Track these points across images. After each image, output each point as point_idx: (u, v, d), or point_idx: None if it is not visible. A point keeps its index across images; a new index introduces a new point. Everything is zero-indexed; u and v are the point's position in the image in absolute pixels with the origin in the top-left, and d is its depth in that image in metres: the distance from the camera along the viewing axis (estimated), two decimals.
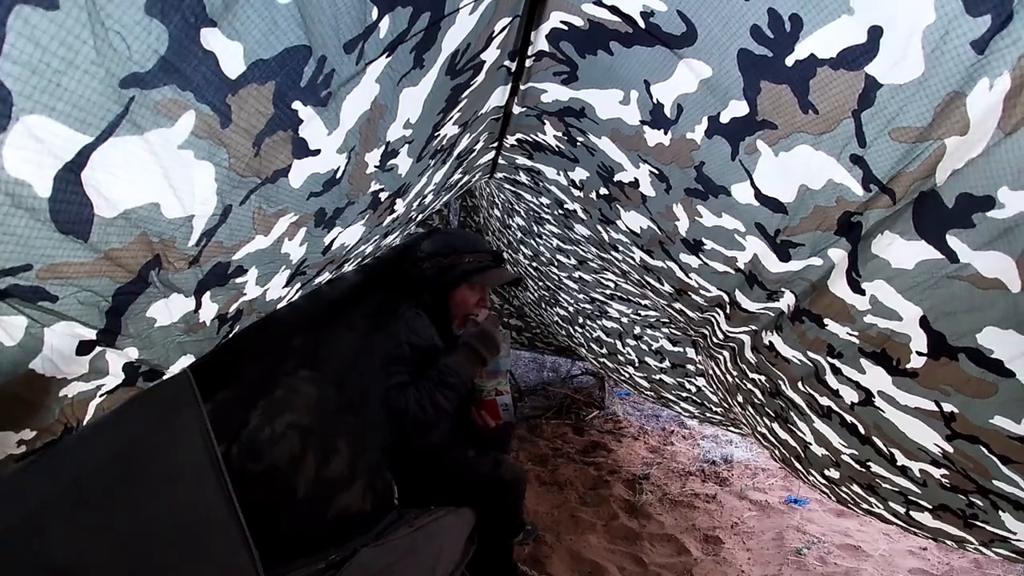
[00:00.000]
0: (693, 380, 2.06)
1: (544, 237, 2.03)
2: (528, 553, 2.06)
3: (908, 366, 0.72)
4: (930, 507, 0.98)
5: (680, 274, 1.20)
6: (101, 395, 0.65)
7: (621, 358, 2.41)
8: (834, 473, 1.22)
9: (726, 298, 1.12)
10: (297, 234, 0.80)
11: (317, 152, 0.67)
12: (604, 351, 2.52)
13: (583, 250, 1.78)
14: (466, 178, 1.63)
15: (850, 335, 0.80)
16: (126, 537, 0.75)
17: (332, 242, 0.96)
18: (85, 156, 0.42)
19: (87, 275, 0.49)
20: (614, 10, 0.70)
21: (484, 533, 1.43)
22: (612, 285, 1.92)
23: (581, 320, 2.50)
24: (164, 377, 0.74)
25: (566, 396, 3.62)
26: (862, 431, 0.96)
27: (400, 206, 1.17)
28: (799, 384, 1.05)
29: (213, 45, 0.45)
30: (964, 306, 0.60)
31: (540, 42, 0.87)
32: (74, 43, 0.37)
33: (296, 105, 0.58)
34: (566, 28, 0.80)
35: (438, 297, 1.54)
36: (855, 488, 1.19)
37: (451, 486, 1.51)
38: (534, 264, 2.40)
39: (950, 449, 0.77)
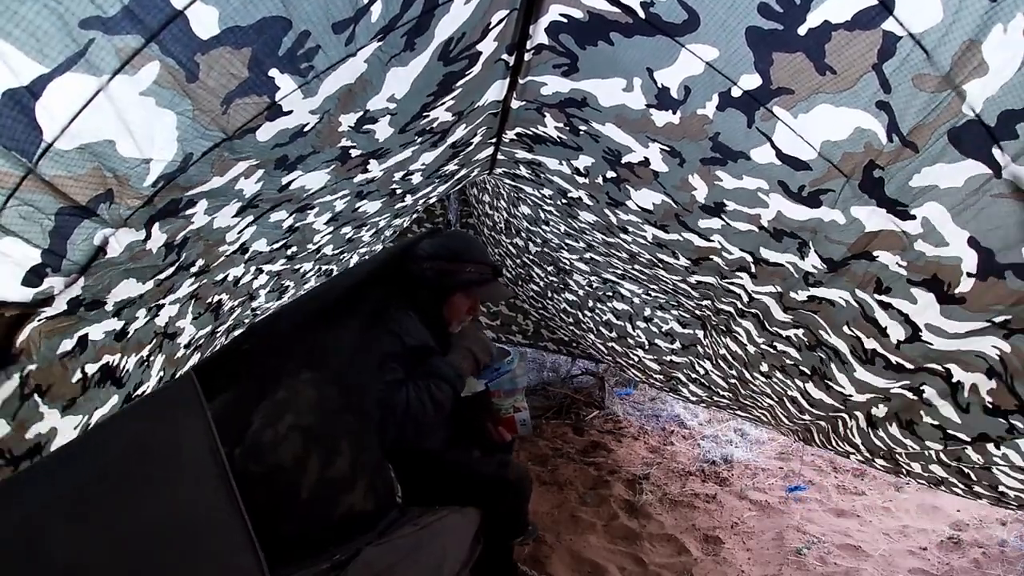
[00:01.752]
0: (702, 362, 2.08)
1: (551, 224, 2.05)
2: (528, 553, 2.04)
3: (957, 291, 0.76)
4: (968, 439, 1.01)
5: (700, 241, 1.22)
6: (39, 320, 0.66)
7: (631, 341, 2.42)
8: (880, 411, 1.23)
9: (750, 258, 1.14)
10: (254, 174, 0.81)
11: (290, 113, 0.69)
12: (614, 334, 2.53)
13: (589, 237, 1.80)
14: (464, 171, 1.64)
15: (899, 265, 0.82)
16: (130, 538, 0.75)
17: (291, 183, 0.97)
18: (41, 86, 0.43)
19: (27, 189, 0.50)
20: (614, 1, 0.71)
21: (487, 533, 1.43)
22: (621, 269, 1.94)
23: (591, 303, 2.51)
24: (105, 306, 0.75)
25: (566, 396, 3.61)
26: (910, 366, 0.99)
27: (376, 168, 1.16)
28: (845, 327, 1.07)
29: (185, 5, 0.46)
30: (1010, 223, 0.64)
31: (539, 35, 0.87)
32: None
33: (273, 72, 0.59)
34: (565, 20, 0.80)
35: (434, 299, 1.55)
36: (893, 430, 1.20)
37: (455, 486, 1.51)
38: (545, 250, 2.41)
39: (1007, 348, 0.79)
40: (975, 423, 0.96)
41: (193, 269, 0.96)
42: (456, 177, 1.67)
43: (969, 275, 0.73)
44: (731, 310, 1.48)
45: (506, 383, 1.62)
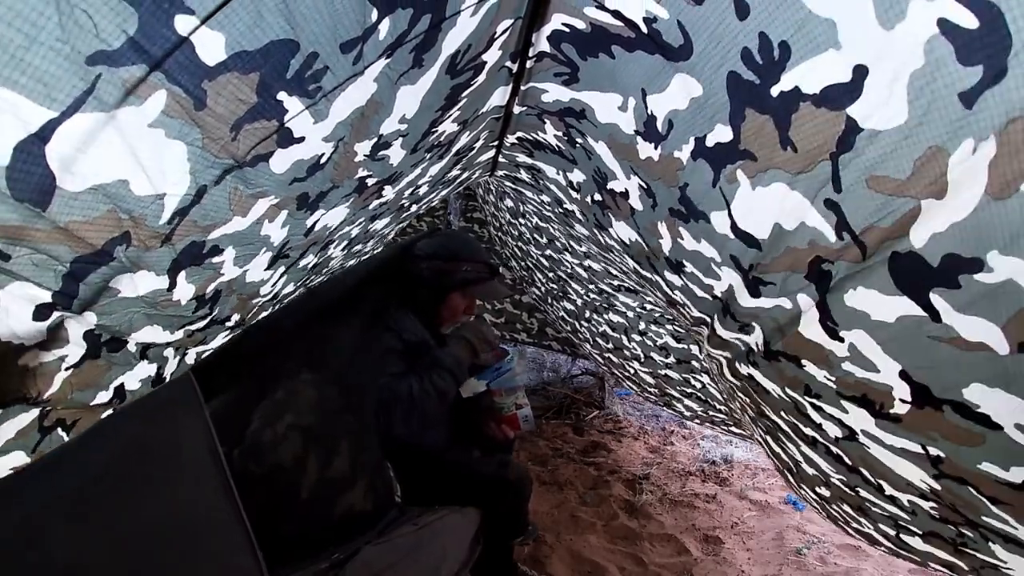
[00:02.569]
0: (698, 376, 2.05)
1: (551, 231, 2.05)
2: (528, 553, 2.08)
3: (892, 411, 0.70)
4: (920, 533, 0.97)
5: (667, 289, 1.19)
6: (67, 368, 0.64)
7: (627, 353, 2.41)
8: (825, 491, 1.21)
9: (705, 323, 1.11)
10: (278, 216, 0.81)
11: (302, 139, 0.67)
12: (610, 346, 2.53)
13: (586, 247, 1.78)
14: (466, 175, 1.63)
15: (828, 379, 0.78)
16: (130, 538, 0.76)
17: (315, 224, 0.97)
18: (50, 130, 0.43)
19: (43, 241, 0.50)
20: (616, 14, 0.69)
21: (487, 533, 1.45)
22: (619, 280, 1.93)
23: (588, 314, 2.50)
24: (127, 346, 0.72)
25: (566, 396, 3.61)
26: (848, 462, 0.95)
27: (389, 192, 1.17)
28: (782, 413, 1.03)
29: (188, 32, 0.45)
30: (948, 364, 0.58)
31: (541, 43, 0.86)
32: (38, 19, 0.37)
33: (281, 96, 0.58)
34: (567, 30, 0.79)
35: (431, 298, 1.58)
36: (846, 508, 1.18)
37: (455, 486, 1.54)
38: (548, 252, 2.39)
39: (938, 487, 0.75)
40: (923, 524, 0.91)
41: (229, 323, 0.95)
42: (459, 180, 1.66)
43: (903, 401, 0.66)
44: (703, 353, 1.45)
45: (506, 382, 1.64)
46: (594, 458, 2.93)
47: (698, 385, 2.10)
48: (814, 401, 0.86)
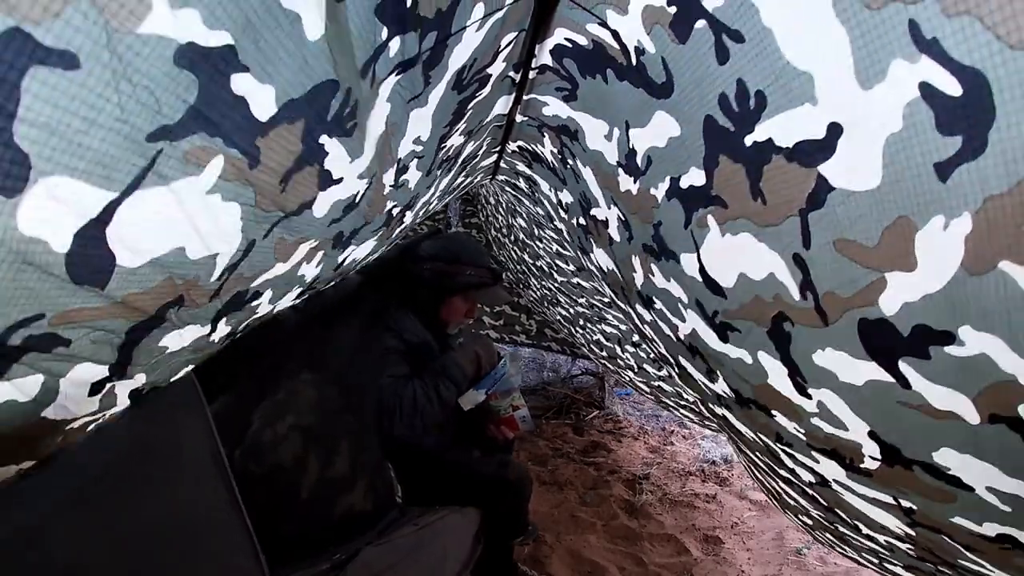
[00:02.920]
0: (691, 392, 2.05)
1: (544, 241, 2.02)
2: (528, 553, 2.10)
3: (862, 466, 0.69)
4: (902, 565, 0.96)
5: (638, 322, 1.17)
6: (105, 418, 0.66)
7: (621, 362, 2.40)
8: (808, 520, 1.21)
9: (672, 361, 1.09)
10: (315, 257, 0.81)
11: (340, 180, 0.66)
12: (605, 354, 2.52)
13: (575, 266, 1.78)
14: (468, 180, 1.62)
15: (798, 431, 0.76)
16: (131, 538, 0.76)
17: (345, 259, 0.98)
18: (110, 212, 0.41)
19: (100, 318, 0.49)
20: (615, 35, 0.68)
21: (487, 533, 1.47)
22: (609, 297, 1.93)
23: (581, 323, 2.49)
24: (163, 387, 0.74)
25: (566, 396, 3.62)
26: (824, 503, 0.93)
27: (409, 217, 1.18)
28: (757, 453, 1.02)
29: (244, 90, 0.43)
30: (918, 428, 0.56)
31: (544, 56, 0.86)
32: (96, 101, 0.36)
33: (323, 139, 0.56)
34: (570, 45, 0.78)
35: (432, 299, 1.59)
36: (829, 536, 1.18)
37: (455, 486, 1.56)
38: (537, 263, 2.39)
39: (912, 533, 0.74)
40: (903, 559, 0.90)
41: (236, 335, 0.98)
42: (463, 186, 1.66)
43: (873, 458, 0.65)
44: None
45: (501, 385, 1.65)
46: (594, 458, 2.94)
47: (691, 399, 2.09)
48: (786, 448, 0.85)
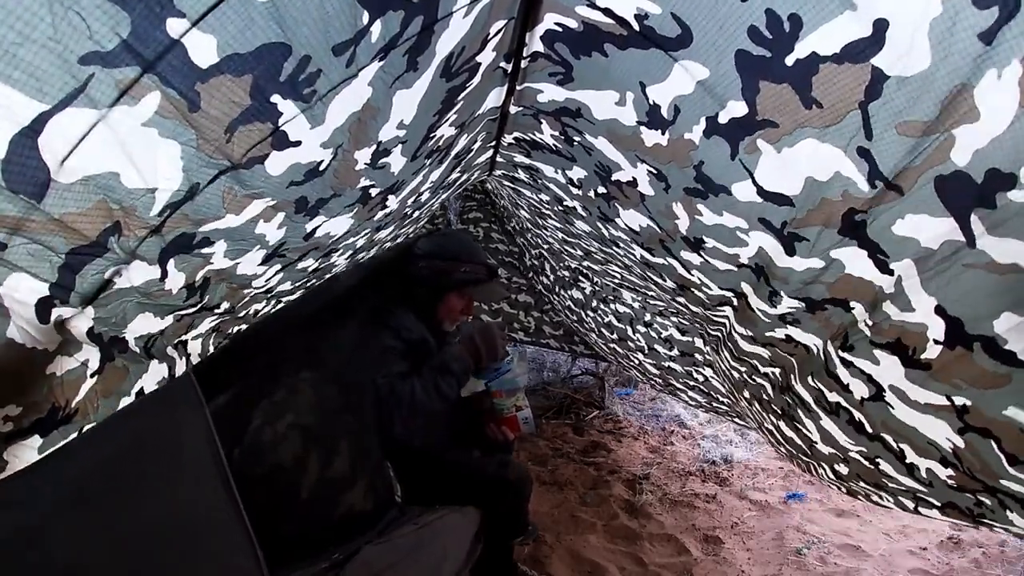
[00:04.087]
0: (701, 370, 2.07)
1: (549, 230, 2.05)
2: (528, 553, 2.06)
3: (923, 356, 0.72)
4: (938, 504, 0.99)
5: (682, 271, 1.19)
6: (91, 375, 0.65)
7: (631, 344, 2.42)
8: (843, 469, 1.22)
9: (732, 296, 1.11)
10: (275, 218, 0.81)
11: (298, 143, 0.68)
12: (615, 336, 2.53)
13: (586, 244, 1.80)
14: (464, 176, 1.64)
15: (866, 325, 0.80)
16: (130, 538, 0.76)
17: (315, 229, 0.97)
18: (42, 123, 0.44)
19: (38, 231, 0.51)
20: (608, 12, 0.70)
21: (487, 533, 1.45)
22: (618, 276, 1.95)
23: (595, 303, 2.51)
24: (129, 343, 0.74)
25: (566, 396, 3.61)
26: (869, 429, 0.96)
27: (393, 202, 1.17)
28: (809, 379, 1.04)
29: (181, 34, 0.46)
30: (980, 292, 0.60)
31: (535, 43, 0.87)
32: (31, 19, 0.39)
33: (275, 99, 0.58)
34: (560, 30, 0.80)
35: (429, 297, 1.58)
36: (863, 484, 1.20)
37: (455, 486, 1.53)
38: (549, 250, 2.43)
39: (961, 444, 0.77)
40: (941, 495, 0.93)
41: (218, 311, 0.97)
42: (459, 183, 1.68)
43: (936, 342, 0.69)
44: (718, 334, 1.46)
45: (506, 383, 1.63)
46: (594, 458, 2.92)
47: (700, 378, 2.12)
48: (846, 356, 0.87)
